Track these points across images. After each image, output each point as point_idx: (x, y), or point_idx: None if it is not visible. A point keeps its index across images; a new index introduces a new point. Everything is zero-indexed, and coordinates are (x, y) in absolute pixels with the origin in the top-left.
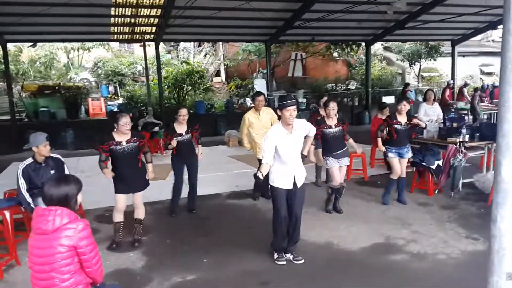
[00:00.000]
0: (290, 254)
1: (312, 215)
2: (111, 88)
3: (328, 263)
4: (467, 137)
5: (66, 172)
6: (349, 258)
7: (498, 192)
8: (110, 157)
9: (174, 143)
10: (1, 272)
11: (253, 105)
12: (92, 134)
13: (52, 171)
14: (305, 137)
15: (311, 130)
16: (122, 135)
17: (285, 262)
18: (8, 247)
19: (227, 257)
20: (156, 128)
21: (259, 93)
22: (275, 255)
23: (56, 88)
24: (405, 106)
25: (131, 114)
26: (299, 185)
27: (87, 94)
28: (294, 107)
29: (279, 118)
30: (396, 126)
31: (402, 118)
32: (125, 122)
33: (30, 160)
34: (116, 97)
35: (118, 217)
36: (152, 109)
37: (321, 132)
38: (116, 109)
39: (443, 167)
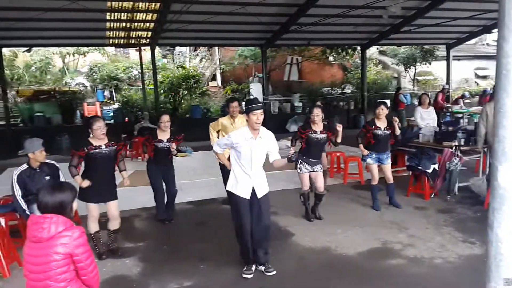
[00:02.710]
0: (262, 265)
1: (308, 220)
2: (106, 93)
3: (324, 268)
4: (462, 141)
5: (61, 178)
6: (346, 263)
7: (495, 197)
8: (85, 163)
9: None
10: (9, 270)
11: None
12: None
13: (47, 177)
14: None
15: (275, 153)
16: (99, 141)
17: (251, 276)
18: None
19: (224, 262)
20: None
21: (233, 99)
22: (244, 268)
23: (52, 93)
24: (383, 111)
25: (126, 119)
26: (259, 195)
27: (82, 98)
28: (261, 111)
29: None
30: (375, 131)
31: (382, 123)
32: (99, 126)
33: (25, 166)
34: (111, 102)
35: (95, 227)
36: (148, 114)
37: (306, 137)
38: (112, 114)
39: (439, 171)
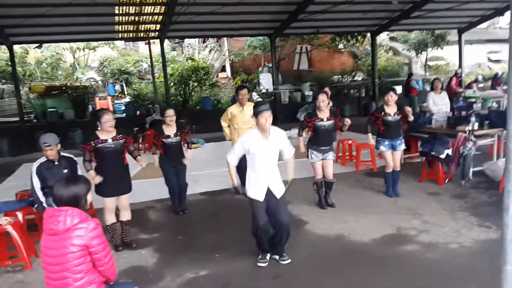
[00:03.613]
0: (276, 254)
1: (321, 208)
2: (117, 87)
3: (339, 255)
4: (476, 125)
5: (79, 172)
6: (360, 250)
7: (510, 180)
8: (95, 157)
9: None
10: (30, 262)
11: (260, 99)
12: None
13: (65, 170)
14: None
15: (287, 148)
16: (107, 133)
17: (266, 264)
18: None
19: (238, 251)
20: None
21: (242, 87)
22: (259, 256)
23: (63, 88)
24: (391, 97)
25: (138, 112)
26: (278, 196)
27: (94, 93)
28: (269, 112)
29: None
30: (385, 118)
31: (391, 109)
32: (107, 119)
33: (44, 158)
34: (123, 96)
35: (111, 218)
36: (159, 107)
37: (313, 126)
38: (123, 108)
39: (452, 156)
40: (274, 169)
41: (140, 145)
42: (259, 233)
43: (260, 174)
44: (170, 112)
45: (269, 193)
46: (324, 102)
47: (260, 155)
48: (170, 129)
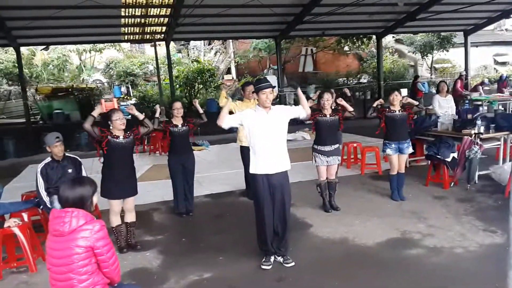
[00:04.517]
0: (280, 257)
1: (325, 211)
2: (123, 89)
3: (343, 259)
4: (482, 129)
5: (83, 172)
6: (364, 253)
7: None
8: (104, 155)
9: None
10: (35, 265)
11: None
12: None
13: (70, 170)
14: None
15: (292, 109)
16: (118, 132)
17: (270, 267)
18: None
19: (243, 254)
20: None
21: (248, 83)
22: (263, 259)
23: (70, 90)
24: (396, 97)
25: (143, 113)
26: (278, 170)
27: (100, 95)
28: (270, 89)
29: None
30: (389, 114)
31: (396, 108)
32: (118, 117)
33: (49, 159)
34: (128, 98)
35: (116, 220)
36: (165, 109)
37: (315, 120)
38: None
39: (458, 159)
40: (279, 147)
41: (146, 147)
42: (261, 217)
43: (264, 147)
44: (178, 105)
45: (273, 177)
46: (328, 101)
47: (261, 131)
48: (177, 121)
